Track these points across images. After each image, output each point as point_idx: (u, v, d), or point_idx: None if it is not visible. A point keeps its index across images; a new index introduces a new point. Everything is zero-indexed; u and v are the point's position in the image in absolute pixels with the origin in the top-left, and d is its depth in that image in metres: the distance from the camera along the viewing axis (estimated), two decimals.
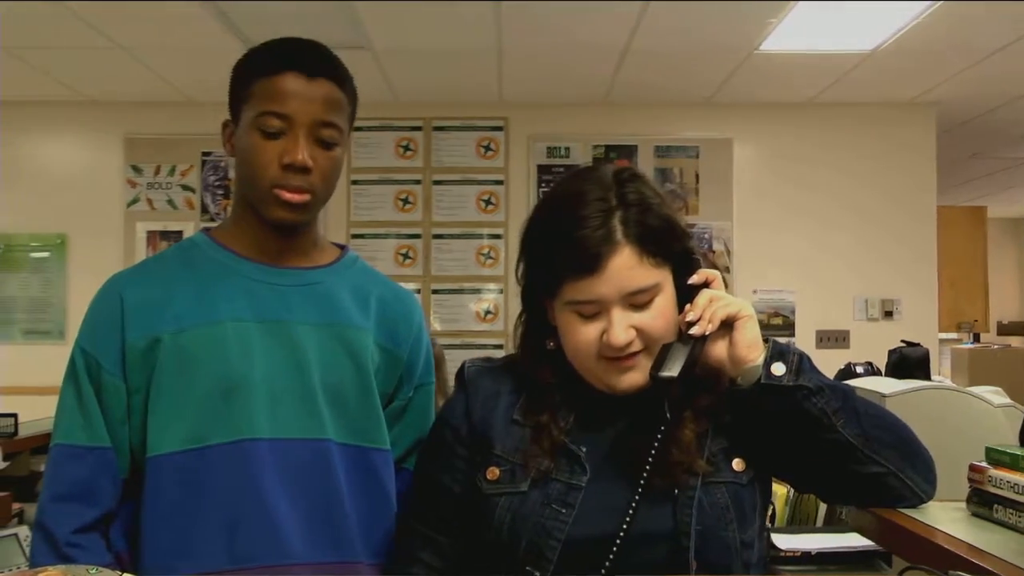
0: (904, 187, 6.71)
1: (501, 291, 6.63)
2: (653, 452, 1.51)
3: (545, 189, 6.58)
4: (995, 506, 1.52)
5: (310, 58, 1.67)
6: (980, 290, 9.10)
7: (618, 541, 1.48)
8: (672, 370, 1.47)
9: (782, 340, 1.57)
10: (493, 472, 1.56)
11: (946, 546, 1.37)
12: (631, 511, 1.49)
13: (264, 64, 1.67)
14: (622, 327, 1.49)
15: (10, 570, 2.45)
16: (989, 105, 6.69)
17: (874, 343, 5.86)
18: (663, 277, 1.52)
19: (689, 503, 1.49)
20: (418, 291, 6.51)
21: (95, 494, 1.63)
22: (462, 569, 1.59)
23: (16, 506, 2.90)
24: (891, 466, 1.52)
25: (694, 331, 1.49)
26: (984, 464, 1.56)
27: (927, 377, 4.04)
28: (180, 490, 1.61)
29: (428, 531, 1.62)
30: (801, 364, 1.51)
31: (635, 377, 1.52)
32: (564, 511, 1.49)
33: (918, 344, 4.48)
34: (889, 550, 1.91)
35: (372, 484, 1.73)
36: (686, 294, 1.55)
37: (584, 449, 1.55)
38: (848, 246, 6.65)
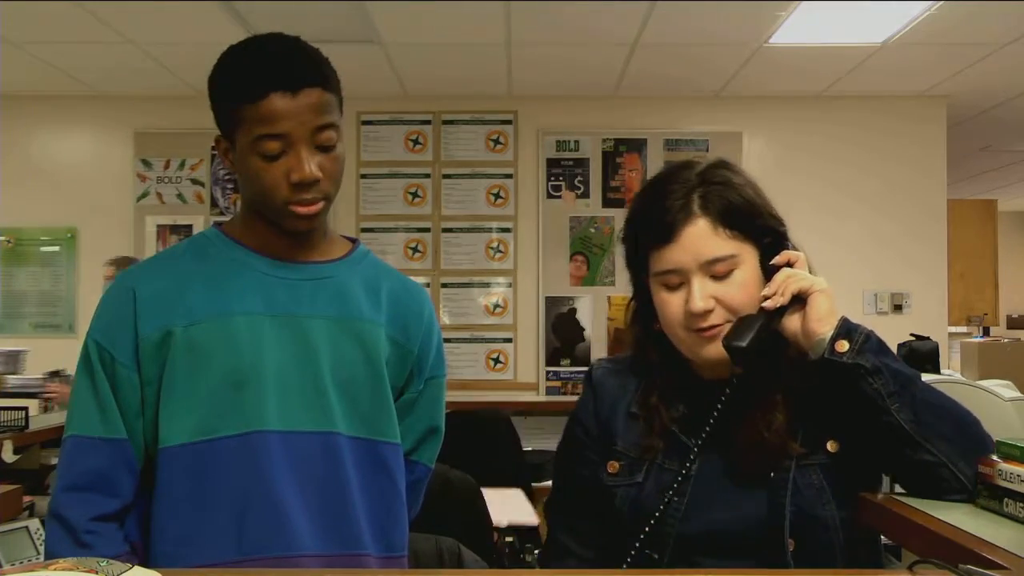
0: (914, 180, 6.70)
1: (510, 285, 6.63)
2: (742, 434, 1.60)
3: (554, 183, 6.61)
4: (1005, 500, 1.52)
5: (289, 70, 1.62)
6: (990, 283, 9.08)
7: (722, 526, 1.57)
8: (743, 340, 1.53)
9: None
10: (613, 466, 1.68)
11: (956, 540, 1.37)
12: (730, 496, 1.59)
13: (245, 88, 1.62)
14: (701, 295, 1.57)
15: (21, 562, 2.46)
16: (1000, 98, 6.68)
17: (884, 336, 5.84)
18: (741, 250, 1.60)
19: (784, 484, 1.56)
20: (427, 285, 6.52)
21: (113, 485, 1.64)
22: (607, 552, 1.69)
23: (27, 499, 2.91)
24: (943, 456, 1.54)
25: (765, 304, 1.57)
26: (994, 458, 1.56)
27: (937, 371, 4.04)
28: (190, 481, 1.62)
29: (572, 520, 1.75)
30: (866, 343, 1.55)
31: (720, 348, 1.58)
32: (677, 499, 1.59)
33: (928, 338, 4.48)
34: (898, 543, 1.91)
35: (381, 477, 1.73)
36: (773, 275, 1.63)
37: (693, 439, 1.63)
38: (858, 240, 6.64)
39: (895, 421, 1.52)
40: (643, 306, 1.72)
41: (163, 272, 1.72)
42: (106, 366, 1.66)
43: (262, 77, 1.61)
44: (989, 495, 1.56)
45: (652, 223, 1.61)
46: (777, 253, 1.63)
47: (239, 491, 1.61)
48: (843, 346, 1.53)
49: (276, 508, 1.61)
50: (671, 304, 1.61)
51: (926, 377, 3.05)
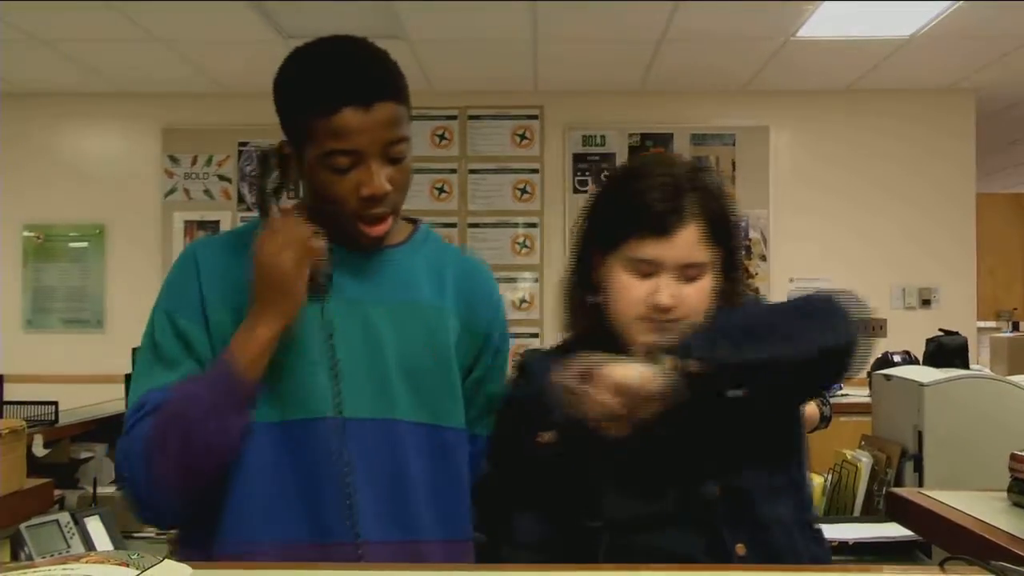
0: (943, 175, 6.66)
1: (536, 280, 6.63)
2: None
3: (580, 178, 6.60)
4: None
5: (363, 84, 1.59)
6: (1019, 278, 9.00)
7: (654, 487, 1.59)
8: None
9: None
10: (544, 436, 1.66)
11: (987, 536, 1.37)
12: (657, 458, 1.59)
13: (317, 101, 1.58)
14: (670, 292, 1.60)
15: (52, 556, 2.48)
16: None
17: (912, 332, 5.82)
18: (713, 259, 1.64)
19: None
20: None
21: None
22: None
23: (57, 492, 2.92)
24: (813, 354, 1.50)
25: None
26: None
27: (966, 366, 4.01)
28: (258, 462, 1.61)
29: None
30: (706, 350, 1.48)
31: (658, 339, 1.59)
32: (608, 464, 1.60)
33: (957, 333, 4.44)
34: (929, 540, 1.90)
35: (445, 463, 1.72)
36: (726, 285, 1.67)
37: None
38: (886, 234, 6.62)
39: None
40: (582, 279, 1.75)
41: (229, 249, 1.71)
42: (175, 327, 1.63)
43: (335, 91, 1.58)
44: (1020, 491, 1.55)
45: (645, 214, 1.62)
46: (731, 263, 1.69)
47: (301, 477, 1.61)
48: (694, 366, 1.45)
49: (338, 495, 1.61)
50: (634, 290, 1.63)
51: (955, 373, 3.04)
